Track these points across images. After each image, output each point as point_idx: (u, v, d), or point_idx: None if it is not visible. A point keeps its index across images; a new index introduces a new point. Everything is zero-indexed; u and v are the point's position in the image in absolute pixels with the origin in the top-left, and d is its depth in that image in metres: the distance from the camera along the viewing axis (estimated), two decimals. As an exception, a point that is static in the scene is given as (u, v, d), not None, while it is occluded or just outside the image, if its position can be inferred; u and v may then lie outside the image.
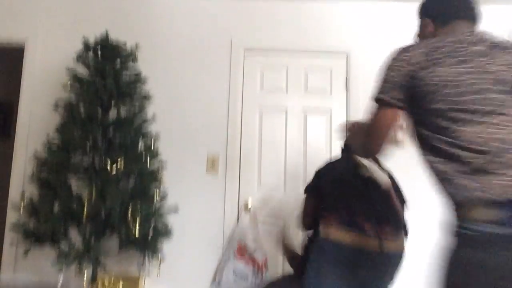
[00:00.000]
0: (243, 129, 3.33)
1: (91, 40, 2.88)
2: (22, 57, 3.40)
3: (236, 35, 3.43)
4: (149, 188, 2.83)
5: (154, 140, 2.91)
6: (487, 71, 1.26)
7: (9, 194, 3.20)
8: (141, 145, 2.81)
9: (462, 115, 1.23)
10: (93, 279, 2.73)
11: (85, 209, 2.53)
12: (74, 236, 2.69)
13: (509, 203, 1.14)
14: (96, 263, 2.62)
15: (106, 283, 2.69)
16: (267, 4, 3.47)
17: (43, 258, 3.07)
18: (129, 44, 2.95)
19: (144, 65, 3.28)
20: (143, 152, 2.80)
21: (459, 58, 1.28)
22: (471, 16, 1.47)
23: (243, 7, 3.46)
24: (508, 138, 1.20)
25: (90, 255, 2.54)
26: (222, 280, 2.96)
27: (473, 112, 1.22)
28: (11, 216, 3.11)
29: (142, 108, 2.90)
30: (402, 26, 3.45)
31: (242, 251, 2.98)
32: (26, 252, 2.64)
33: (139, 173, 2.76)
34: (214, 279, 3.09)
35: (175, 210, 2.92)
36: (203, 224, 3.21)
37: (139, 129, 2.85)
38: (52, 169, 2.66)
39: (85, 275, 2.56)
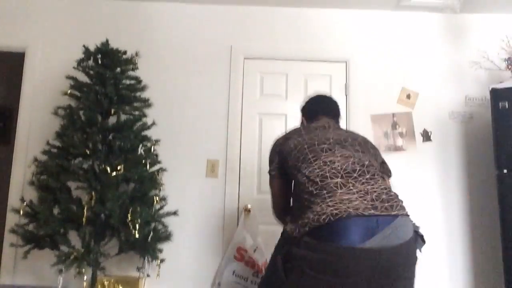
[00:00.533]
0: (243, 135, 3.35)
1: (92, 48, 2.90)
2: (23, 64, 3.42)
3: (236, 43, 3.46)
4: (149, 192, 2.84)
5: (153, 145, 2.93)
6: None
7: (9, 198, 3.21)
8: (141, 150, 2.82)
9: None
10: (93, 281, 2.72)
11: (85, 212, 2.54)
12: (74, 237, 2.69)
13: None
14: (96, 266, 2.62)
15: (106, 285, 2.69)
16: (267, 12, 3.50)
17: (43, 261, 3.07)
18: (129, 52, 2.97)
19: (144, 72, 3.30)
20: (143, 157, 2.80)
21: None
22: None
23: (243, 15, 3.50)
24: None
25: (89, 257, 2.53)
26: (221, 282, 2.96)
27: None
28: (11, 220, 3.12)
29: (142, 115, 2.92)
30: (400, 35, 3.48)
31: (242, 254, 2.99)
32: (25, 255, 2.63)
33: (139, 178, 2.77)
34: (213, 281, 3.09)
35: (175, 212, 2.92)
36: (203, 228, 3.21)
37: (139, 134, 2.86)
38: (52, 173, 2.67)
39: (85, 278, 2.56)
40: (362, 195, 1.56)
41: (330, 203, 1.54)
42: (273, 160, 1.93)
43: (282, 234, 1.97)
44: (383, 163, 1.88)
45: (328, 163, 1.68)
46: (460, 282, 3.17)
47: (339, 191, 1.57)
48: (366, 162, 1.69)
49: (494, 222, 3.18)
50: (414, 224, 1.62)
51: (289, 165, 1.81)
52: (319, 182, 1.63)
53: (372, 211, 1.50)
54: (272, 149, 1.95)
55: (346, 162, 1.68)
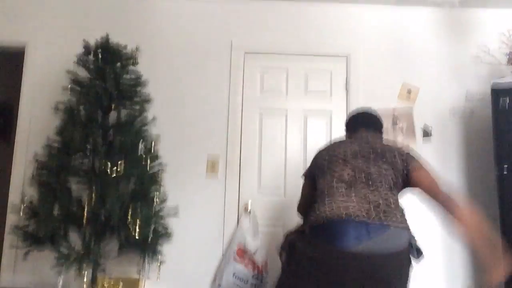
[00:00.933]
0: (243, 132, 3.34)
1: (92, 43, 2.89)
2: (23, 60, 3.41)
3: (236, 38, 3.45)
4: (149, 191, 2.82)
5: (154, 142, 2.91)
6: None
7: (9, 197, 3.21)
8: (141, 147, 2.81)
9: None
10: (93, 281, 2.72)
11: (85, 212, 2.53)
12: (74, 238, 2.69)
13: None
14: (96, 265, 2.61)
15: (106, 285, 2.68)
16: (267, 7, 3.49)
17: (43, 261, 3.07)
18: (130, 47, 2.95)
19: (144, 68, 3.28)
20: (143, 155, 2.79)
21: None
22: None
23: (243, 10, 3.48)
24: None
25: (90, 257, 2.53)
26: (222, 282, 2.94)
27: None
28: (11, 219, 3.12)
29: (142, 111, 2.90)
30: (401, 30, 3.47)
31: (242, 254, 2.98)
32: (26, 254, 2.64)
33: (139, 176, 2.76)
34: (214, 281, 3.09)
35: (175, 212, 2.91)
36: (203, 227, 3.21)
37: (139, 132, 2.85)
38: (52, 171, 2.66)
39: (85, 277, 2.55)
40: (361, 203, 1.73)
41: (329, 207, 1.75)
42: (310, 165, 2.16)
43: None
44: (408, 169, 1.89)
45: (338, 174, 1.88)
46: (459, 280, 3.17)
47: (341, 198, 1.77)
48: (375, 174, 1.84)
49: (494, 218, 3.18)
50: (411, 237, 1.73)
51: (314, 173, 2.05)
52: (326, 190, 1.85)
53: (365, 219, 1.66)
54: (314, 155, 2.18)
55: (353, 173, 1.85)
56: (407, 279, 1.71)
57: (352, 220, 1.66)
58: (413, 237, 1.75)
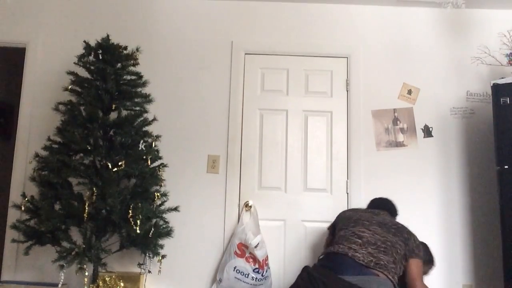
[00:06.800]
0: (244, 130, 3.35)
1: (92, 43, 2.89)
2: (23, 59, 3.41)
3: (236, 38, 3.45)
4: (150, 188, 2.84)
5: (154, 141, 2.92)
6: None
7: (10, 194, 3.22)
8: (142, 146, 2.82)
9: None
10: (94, 276, 2.73)
11: (86, 208, 2.54)
12: (75, 234, 2.70)
13: None
14: (97, 261, 2.62)
15: (107, 282, 2.69)
16: (268, 7, 3.49)
17: (44, 257, 3.08)
18: (130, 48, 2.96)
19: (145, 67, 3.30)
20: (144, 153, 2.80)
21: None
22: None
23: (243, 10, 3.49)
24: None
25: (91, 253, 2.54)
26: (223, 278, 2.96)
27: None
28: (12, 216, 3.13)
29: (143, 111, 2.91)
30: (402, 30, 3.47)
31: (243, 250, 3.00)
32: (27, 251, 2.64)
33: (140, 174, 2.77)
34: (215, 277, 3.10)
35: (176, 208, 2.92)
36: (204, 224, 3.22)
37: (140, 130, 2.86)
38: (53, 168, 2.67)
39: (86, 274, 2.56)
40: (366, 254, 2.23)
41: (342, 246, 2.30)
42: (334, 220, 2.73)
43: None
44: (406, 243, 2.37)
45: (358, 231, 2.37)
46: (459, 278, 3.18)
47: (353, 246, 2.28)
48: (389, 243, 2.30)
49: (495, 218, 3.19)
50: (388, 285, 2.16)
51: (337, 225, 2.59)
52: (345, 237, 2.37)
53: (363, 263, 2.18)
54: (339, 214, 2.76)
55: (372, 236, 2.34)
56: None
57: (354, 259, 2.20)
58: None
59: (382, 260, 2.22)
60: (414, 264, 2.36)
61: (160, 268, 2.94)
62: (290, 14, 3.48)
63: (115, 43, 2.89)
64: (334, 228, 2.68)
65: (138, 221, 2.59)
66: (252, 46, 3.44)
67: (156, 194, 2.81)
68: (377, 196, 2.91)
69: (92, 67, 2.84)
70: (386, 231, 2.36)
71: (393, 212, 2.76)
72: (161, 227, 2.85)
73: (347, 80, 3.41)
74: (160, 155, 2.97)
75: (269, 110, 3.39)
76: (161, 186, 2.93)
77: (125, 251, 2.88)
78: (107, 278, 2.71)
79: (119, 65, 2.88)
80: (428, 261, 2.79)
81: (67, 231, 2.64)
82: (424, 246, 2.83)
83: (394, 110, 3.37)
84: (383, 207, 2.74)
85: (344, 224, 2.50)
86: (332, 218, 3.01)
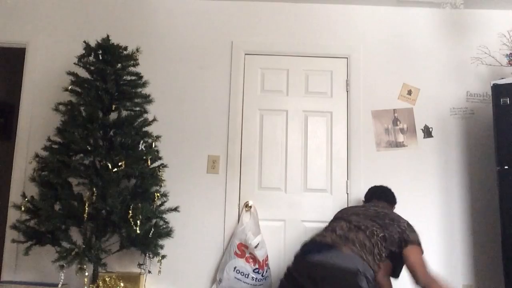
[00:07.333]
0: (244, 131, 3.35)
1: (92, 44, 2.90)
2: (23, 59, 3.41)
3: (236, 39, 3.45)
4: (150, 188, 2.84)
5: (154, 141, 2.93)
6: None
7: (10, 194, 3.21)
8: (142, 146, 2.82)
9: None
10: (94, 278, 2.74)
11: (86, 209, 2.54)
12: (75, 234, 2.70)
13: None
14: (97, 262, 2.62)
15: (107, 282, 2.69)
16: (268, 7, 3.49)
17: (44, 258, 3.08)
18: (130, 48, 2.96)
19: (145, 68, 3.29)
20: (144, 153, 2.81)
21: None
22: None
23: (243, 10, 3.49)
24: None
25: (90, 254, 2.54)
26: (223, 278, 2.96)
27: None
28: (12, 216, 3.12)
29: (143, 110, 2.92)
30: (402, 30, 3.47)
31: (243, 250, 3.00)
32: (27, 251, 2.64)
33: (140, 174, 2.77)
34: (215, 277, 3.10)
35: (176, 210, 2.93)
36: (204, 224, 3.22)
37: (140, 130, 2.86)
38: (53, 169, 2.67)
39: (86, 274, 2.57)
40: (327, 234, 2.29)
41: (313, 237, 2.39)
42: None
43: None
44: (386, 227, 2.28)
45: (331, 228, 2.37)
46: (460, 278, 3.18)
47: (317, 233, 2.39)
48: (363, 226, 2.26)
49: (495, 219, 3.19)
50: (365, 268, 2.10)
51: None
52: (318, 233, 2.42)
53: (329, 243, 2.22)
54: None
55: (347, 226, 2.31)
56: None
57: (321, 242, 2.26)
58: (369, 270, 2.10)
59: (351, 237, 2.19)
60: (409, 252, 2.16)
61: (160, 268, 2.93)
62: (290, 14, 3.48)
63: (115, 44, 2.90)
64: None
65: (138, 222, 2.59)
66: (252, 46, 3.44)
67: (156, 195, 2.82)
68: (372, 186, 2.91)
69: (92, 68, 2.84)
70: (364, 218, 2.32)
71: (391, 201, 2.76)
72: (161, 228, 2.85)
73: (347, 81, 3.41)
74: (160, 155, 2.98)
75: (269, 110, 3.39)
76: (161, 186, 2.94)
77: (125, 251, 2.88)
78: (107, 278, 2.71)
79: (119, 65, 2.88)
80: None
81: (67, 231, 2.65)
82: None
83: (394, 111, 3.37)
84: (378, 196, 2.76)
85: (330, 221, 2.55)
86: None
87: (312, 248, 2.23)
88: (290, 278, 2.23)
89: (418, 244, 2.21)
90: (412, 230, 2.26)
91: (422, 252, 2.22)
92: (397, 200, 2.84)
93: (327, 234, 2.29)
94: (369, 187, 2.91)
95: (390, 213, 2.37)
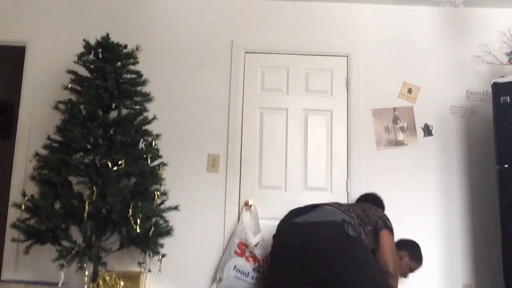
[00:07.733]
0: (244, 129, 3.35)
1: (92, 42, 2.89)
2: (23, 58, 3.41)
3: (236, 37, 3.45)
4: (150, 187, 2.84)
5: (154, 139, 2.92)
6: None
7: (10, 193, 3.21)
8: (142, 144, 2.82)
9: None
10: (94, 277, 2.74)
11: (86, 207, 2.54)
12: (75, 233, 2.70)
13: None
14: (97, 261, 2.62)
15: (107, 281, 2.70)
16: (268, 6, 3.49)
17: (44, 256, 3.07)
18: (130, 47, 2.96)
19: (145, 66, 3.29)
20: (144, 152, 2.80)
21: None
22: None
23: (243, 9, 3.48)
24: None
25: (91, 252, 2.54)
26: (223, 277, 2.96)
27: None
28: (13, 215, 3.12)
29: (142, 109, 2.91)
30: (402, 29, 3.47)
31: (243, 249, 3.00)
32: (27, 250, 2.64)
33: (140, 172, 2.77)
34: (215, 276, 3.10)
35: (176, 208, 2.93)
36: (204, 223, 3.22)
37: (140, 129, 2.86)
38: (53, 167, 2.67)
39: (86, 273, 2.57)
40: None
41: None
42: None
43: None
44: (379, 218, 2.58)
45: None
46: (459, 278, 3.18)
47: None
48: (344, 207, 2.55)
49: (495, 217, 3.19)
50: (347, 219, 2.35)
51: None
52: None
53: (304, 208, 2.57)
54: None
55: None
56: (349, 252, 2.24)
57: (303, 206, 2.59)
58: (352, 222, 2.34)
59: (335, 205, 2.53)
60: (381, 237, 2.49)
61: (160, 267, 2.93)
62: (290, 13, 3.48)
63: (115, 42, 2.89)
64: None
65: (138, 220, 2.59)
66: (252, 45, 3.44)
67: (156, 193, 2.82)
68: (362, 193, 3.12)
69: (92, 66, 2.84)
70: (347, 205, 2.66)
71: (378, 205, 2.89)
72: (161, 226, 2.85)
73: (347, 79, 3.41)
74: (160, 154, 2.98)
75: (269, 109, 3.38)
76: (161, 185, 2.93)
77: (125, 250, 2.88)
78: (107, 277, 2.71)
79: (119, 63, 2.87)
80: (416, 260, 2.81)
81: (67, 230, 2.65)
82: (415, 245, 2.87)
83: (394, 109, 3.36)
84: (364, 200, 2.98)
85: None
86: (332, 217, 3.02)
87: (298, 211, 2.51)
88: (279, 242, 2.47)
89: (391, 229, 2.55)
90: (388, 219, 2.60)
91: (393, 237, 2.57)
92: (388, 205, 3.03)
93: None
94: (367, 188, 3.09)
95: (373, 207, 2.66)
